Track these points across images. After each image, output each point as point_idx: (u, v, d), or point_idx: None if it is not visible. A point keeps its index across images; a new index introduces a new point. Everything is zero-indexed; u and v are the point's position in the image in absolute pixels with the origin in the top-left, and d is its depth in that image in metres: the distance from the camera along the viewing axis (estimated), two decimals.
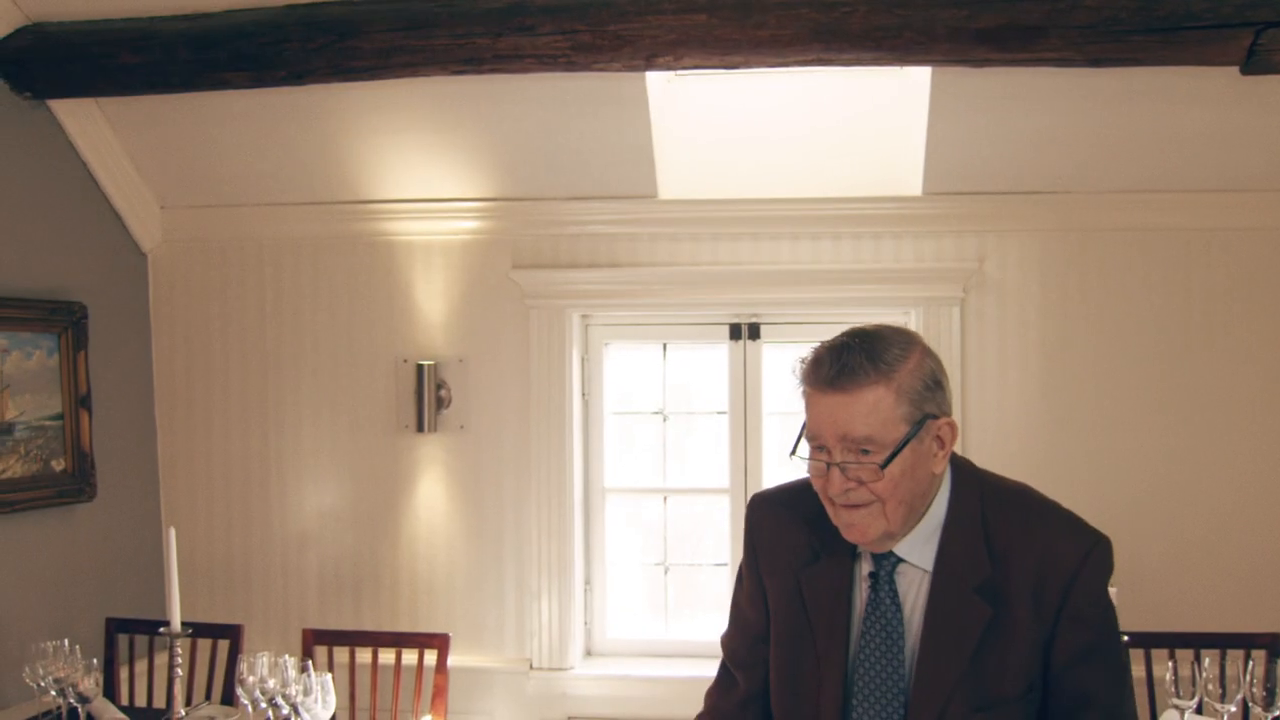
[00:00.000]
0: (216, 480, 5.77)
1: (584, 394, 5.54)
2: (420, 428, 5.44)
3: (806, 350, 2.17)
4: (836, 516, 2.18)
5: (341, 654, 4.94)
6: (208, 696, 4.88)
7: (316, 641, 4.81)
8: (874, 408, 2.05)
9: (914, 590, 2.21)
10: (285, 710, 3.90)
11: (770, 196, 5.17)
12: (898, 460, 2.07)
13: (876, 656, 2.20)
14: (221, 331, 5.71)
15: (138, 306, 5.71)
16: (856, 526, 2.15)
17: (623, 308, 5.39)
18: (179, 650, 4.05)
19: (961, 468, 2.25)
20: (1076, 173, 4.95)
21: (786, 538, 2.33)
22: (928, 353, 2.14)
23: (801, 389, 2.14)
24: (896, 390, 2.06)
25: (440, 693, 4.60)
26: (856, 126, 5.06)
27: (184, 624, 4.05)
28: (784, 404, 5.44)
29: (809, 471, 2.15)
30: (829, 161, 5.09)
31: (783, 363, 5.36)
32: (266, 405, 5.71)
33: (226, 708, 4.60)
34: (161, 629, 4.06)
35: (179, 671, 4.06)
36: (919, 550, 2.20)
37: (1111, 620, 2.18)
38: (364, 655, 4.95)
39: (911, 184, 5.04)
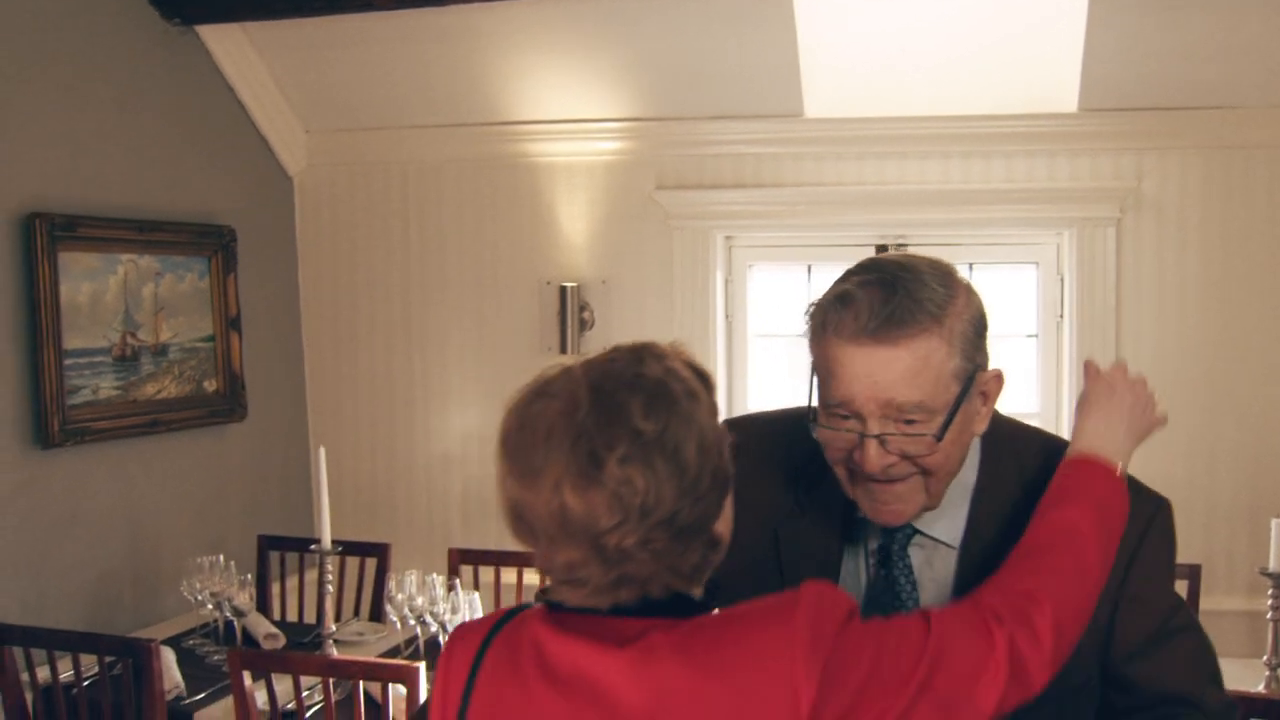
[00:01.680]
0: (362, 401, 5.81)
1: (727, 316, 5.48)
2: (563, 349, 5.42)
3: (830, 286, 1.80)
4: (865, 494, 1.83)
5: (486, 574, 4.93)
6: (356, 613, 4.92)
7: (463, 561, 4.82)
8: (925, 364, 1.70)
9: (928, 568, 1.90)
10: (434, 628, 3.99)
11: (919, 114, 5.06)
12: (951, 427, 1.74)
13: None
14: (366, 253, 5.75)
15: (284, 230, 5.77)
16: (893, 507, 1.82)
17: (767, 229, 5.33)
18: (329, 567, 4.05)
19: (992, 420, 1.92)
20: (1244, 85, 4.78)
21: (768, 476, 1.97)
22: (970, 287, 1.80)
23: (819, 339, 1.75)
24: (949, 339, 1.72)
25: None
26: (1009, 41, 4.88)
27: (333, 542, 4.06)
28: None
29: (828, 443, 1.78)
30: (980, 77, 4.96)
31: None
32: (410, 327, 5.72)
33: (375, 624, 4.66)
34: (312, 546, 4.09)
35: (329, 588, 4.07)
36: (942, 521, 1.88)
37: (1178, 599, 1.86)
38: (509, 575, 4.93)
39: (1067, 100, 4.92)
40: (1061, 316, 5.17)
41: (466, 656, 1.56)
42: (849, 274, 1.77)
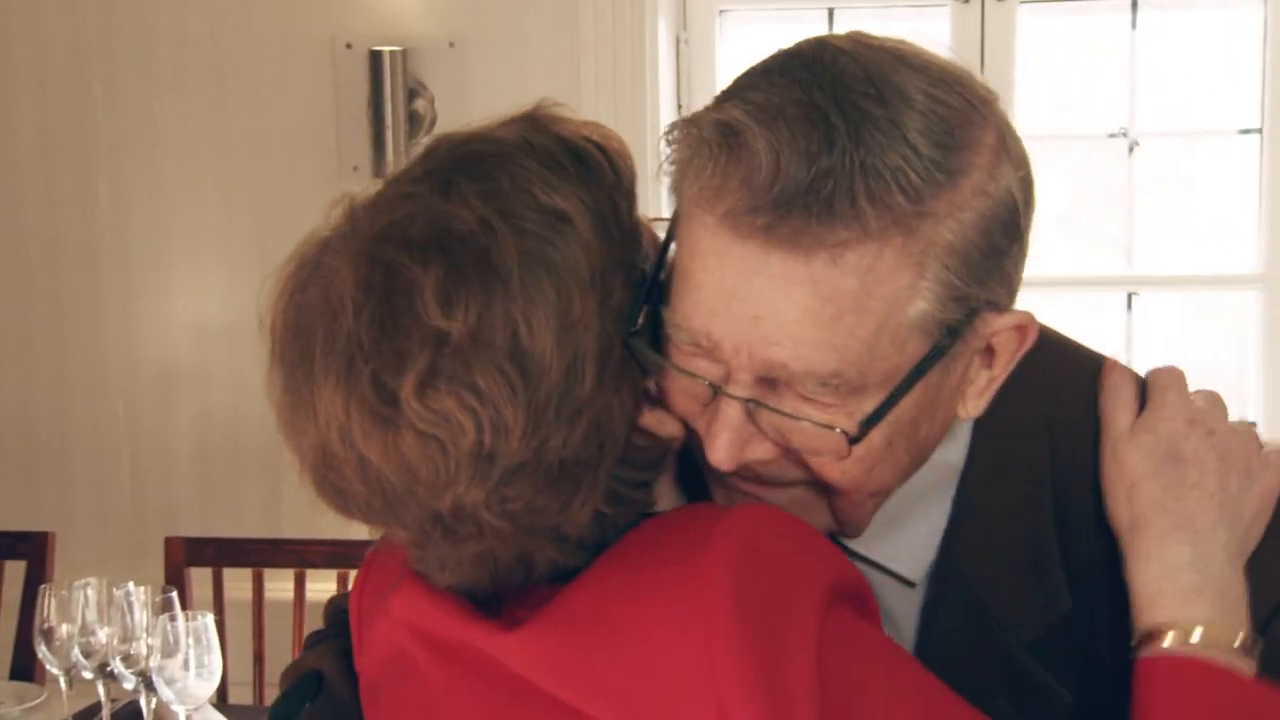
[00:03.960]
0: (6, 266, 5.67)
1: (680, 106, 5.38)
2: (380, 170, 5.24)
3: (728, 86, 1.67)
4: (721, 492, 1.81)
5: (239, 581, 4.68)
6: None
7: (192, 559, 4.65)
8: (858, 300, 1.57)
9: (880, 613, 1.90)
10: (132, 684, 3.77)
11: None
12: (892, 415, 1.64)
13: None
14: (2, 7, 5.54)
15: None
16: None
17: None
18: None
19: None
20: None
21: None
22: (1001, 143, 1.63)
23: (675, 190, 1.67)
24: (921, 256, 1.57)
25: None
26: None
27: None
28: (1052, 122, 5.39)
29: (666, 392, 1.71)
30: None
31: (1050, 40, 5.34)
32: (93, 126, 5.53)
33: (22, 684, 4.45)
34: None
35: None
36: (897, 536, 1.85)
37: None
38: (281, 583, 4.65)
39: None
40: None
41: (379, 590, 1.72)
42: (761, 74, 1.61)
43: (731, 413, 1.62)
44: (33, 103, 5.57)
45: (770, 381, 1.61)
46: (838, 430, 1.60)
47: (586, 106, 5.03)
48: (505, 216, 1.47)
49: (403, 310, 1.44)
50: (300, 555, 4.62)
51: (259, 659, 4.58)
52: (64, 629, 3.78)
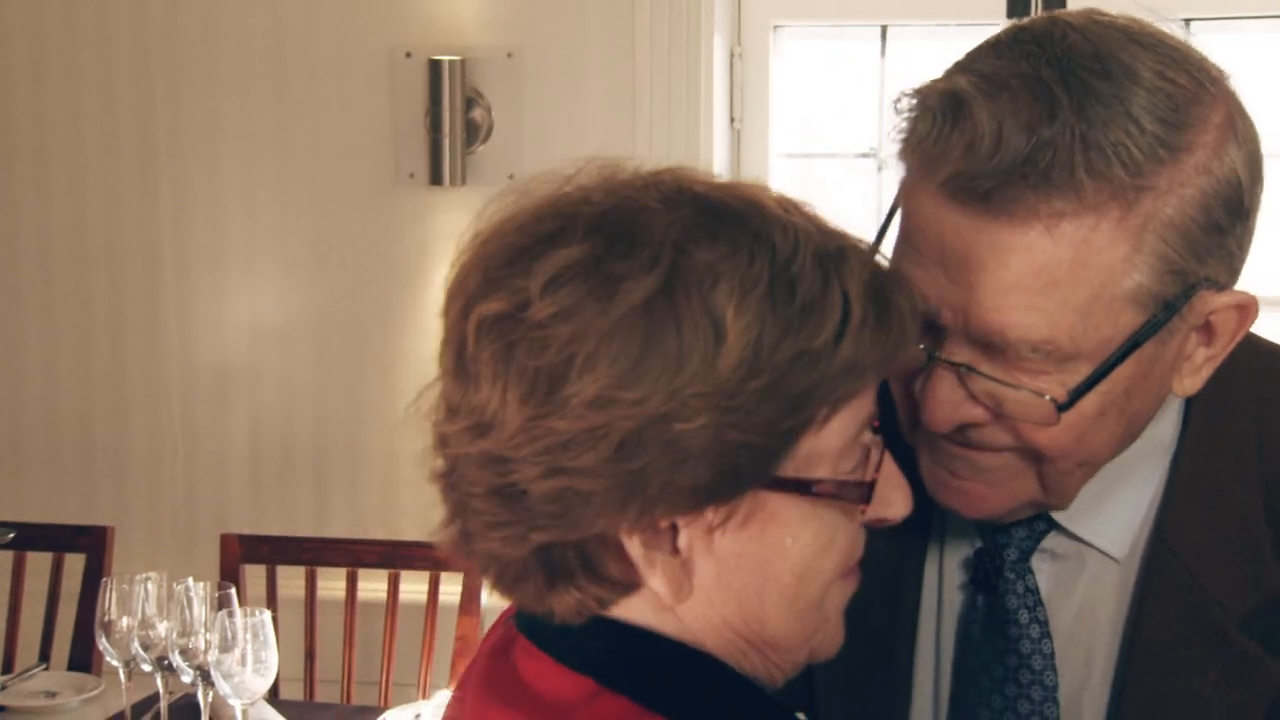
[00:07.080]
0: (61, 270, 5.67)
1: (734, 120, 5.34)
2: (436, 178, 5.24)
3: (952, 65, 1.69)
4: (929, 454, 1.79)
5: (292, 579, 4.72)
6: (44, 657, 4.70)
7: (248, 556, 4.70)
8: (1073, 270, 1.58)
9: (1065, 593, 1.88)
10: (189, 677, 3.84)
11: None
12: (1104, 386, 1.64)
13: None
14: (70, 9, 5.52)
15: None
16: (969, 485, 1.77)
17: None
18: None
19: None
20: None
21: None
22: (1230, 122, 1.63)
23: (902, 160, 1.70)
24: (1138, 230, 1.57)
25: (467, 647, 4.51)
26: None
27: (1, 524, 4.16)
28: None
29: None
30: None
31: None
32: (156, 139, 5.51)
33: (80, 675, 4.49)
34: None
35: None
36: (1104, 512, 1.84)
37: None
38: (333, 581, 4.71)
39: None
40: None
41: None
42: (990, 48, 1.66)
43: (946, 377, 1.67)
44: (97, 107, 5.60)
45: (984, 347, 1.65)
46: (1047, 398, 1.63)
47: (640, 119, 5.19)
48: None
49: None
50: (353, 555, 4.69)
51: (310, 656, 4.65)
52: (124, 622, 3.87)
